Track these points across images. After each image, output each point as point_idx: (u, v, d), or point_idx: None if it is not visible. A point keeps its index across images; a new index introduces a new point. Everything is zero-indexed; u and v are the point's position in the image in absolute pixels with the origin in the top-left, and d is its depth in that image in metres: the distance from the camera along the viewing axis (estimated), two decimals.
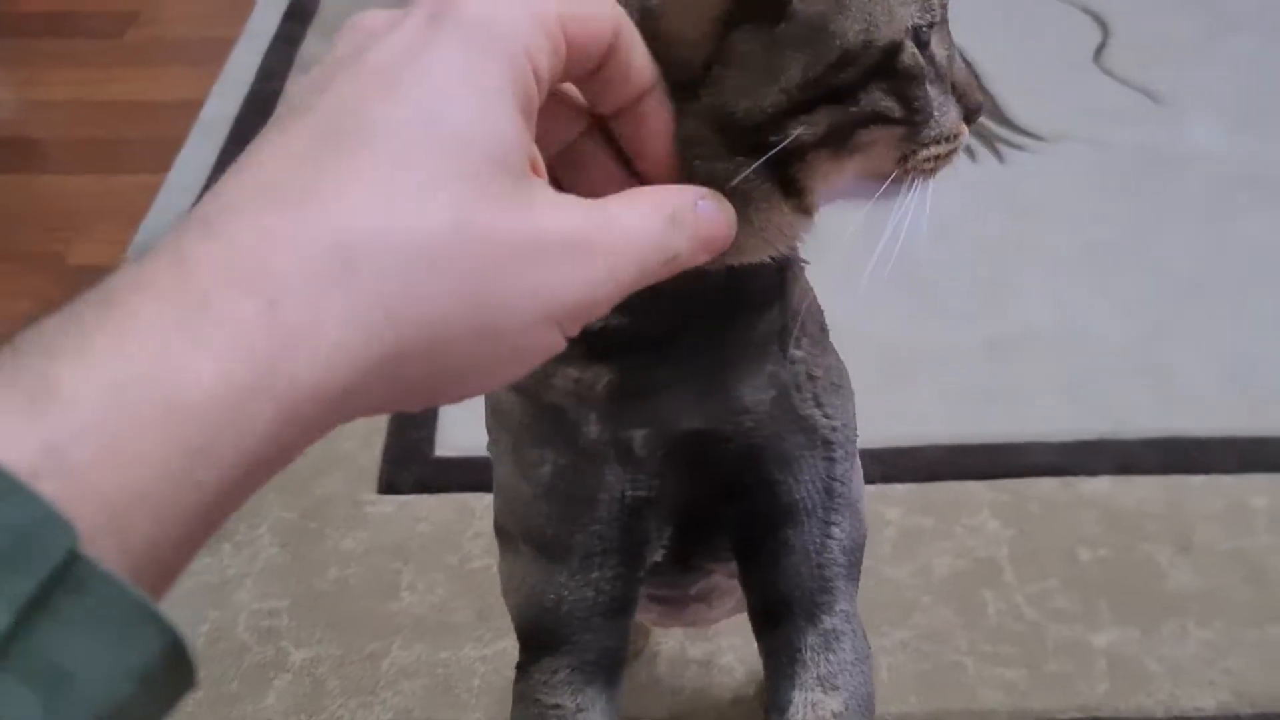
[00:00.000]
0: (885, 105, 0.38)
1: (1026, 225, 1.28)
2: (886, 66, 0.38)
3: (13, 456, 0.22)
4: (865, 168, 0.40)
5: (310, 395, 0.26)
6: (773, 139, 0.37)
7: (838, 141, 0.38)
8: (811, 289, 0.51)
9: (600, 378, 0.46)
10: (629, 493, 0.49)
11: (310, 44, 1.63)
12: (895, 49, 0.38)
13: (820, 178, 0.39)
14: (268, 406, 0.26)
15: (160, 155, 1.43)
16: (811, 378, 0.49)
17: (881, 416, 1.04)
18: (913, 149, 0.40)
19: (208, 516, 0.25)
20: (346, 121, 0.28)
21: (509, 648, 0.60)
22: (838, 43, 0.37)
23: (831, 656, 0.51)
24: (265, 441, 0.26)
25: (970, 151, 1.38)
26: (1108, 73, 1.53)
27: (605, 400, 0.46)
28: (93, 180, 1.43)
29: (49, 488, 0.22)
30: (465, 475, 1.00)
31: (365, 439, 1.04)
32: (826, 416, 0.50)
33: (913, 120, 0.39)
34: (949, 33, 0.41)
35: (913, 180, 0.40)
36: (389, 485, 1.01)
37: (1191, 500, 0.99)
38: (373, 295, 0.27)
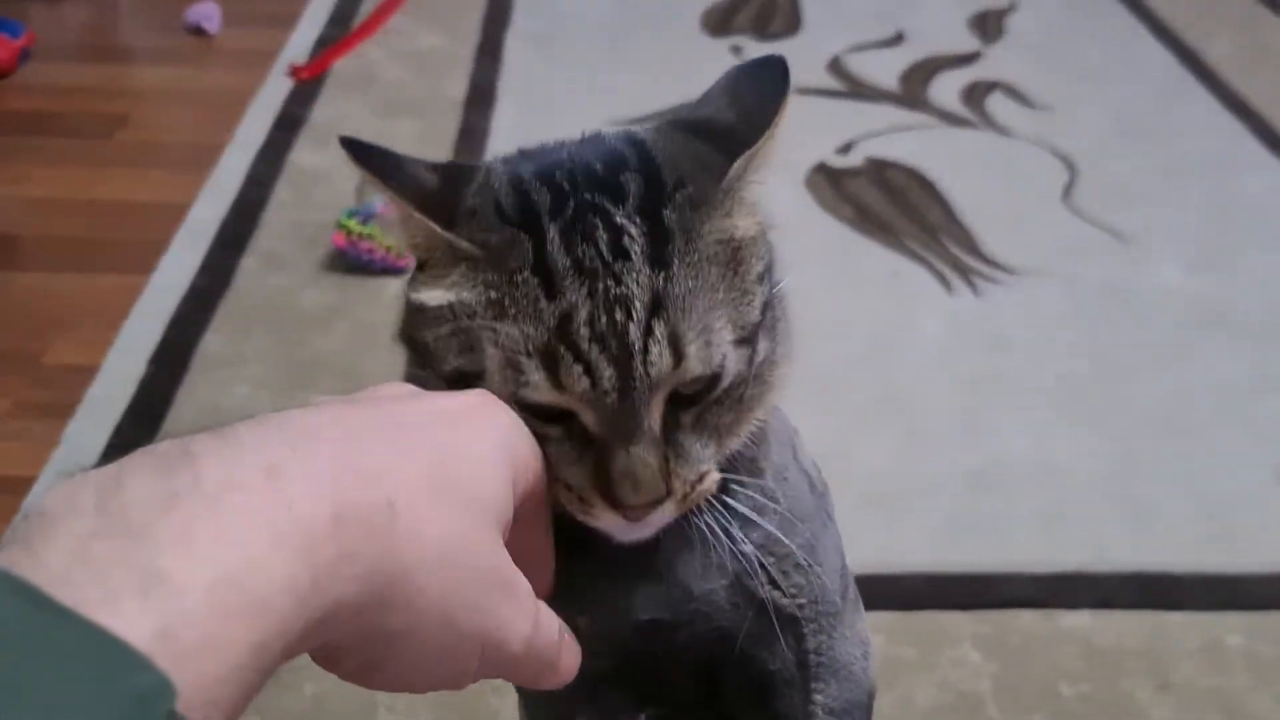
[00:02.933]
0: None
1: (1002, 358, 1.31)
2: None
3: (132, 636, 0.27)
4: None
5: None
6: None
7: None
8: (803, 473, 0.53)
9: None
10: (588, 664, 0.49)
11: (299, 152, 1.66)
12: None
13: None
14: (315, 608, 0.31)
15: (143, 257, 1.43)
16: (763, 566, 0.50)
17: (865, 544, 1.05)
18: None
19: (250, 694, 0.31)
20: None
21: None
22: None
23: None
24: (302, 638, 0.31)
25: (945, 282, 1.42)
26: (1076, 212, 1.58)
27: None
28: (74, 280, 1.42)
29: (160, 665, 0.27)
30: None
31: None
32: (789, 596, 0.51)
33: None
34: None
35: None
36: None
37: (1169, 636, 0.99)
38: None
